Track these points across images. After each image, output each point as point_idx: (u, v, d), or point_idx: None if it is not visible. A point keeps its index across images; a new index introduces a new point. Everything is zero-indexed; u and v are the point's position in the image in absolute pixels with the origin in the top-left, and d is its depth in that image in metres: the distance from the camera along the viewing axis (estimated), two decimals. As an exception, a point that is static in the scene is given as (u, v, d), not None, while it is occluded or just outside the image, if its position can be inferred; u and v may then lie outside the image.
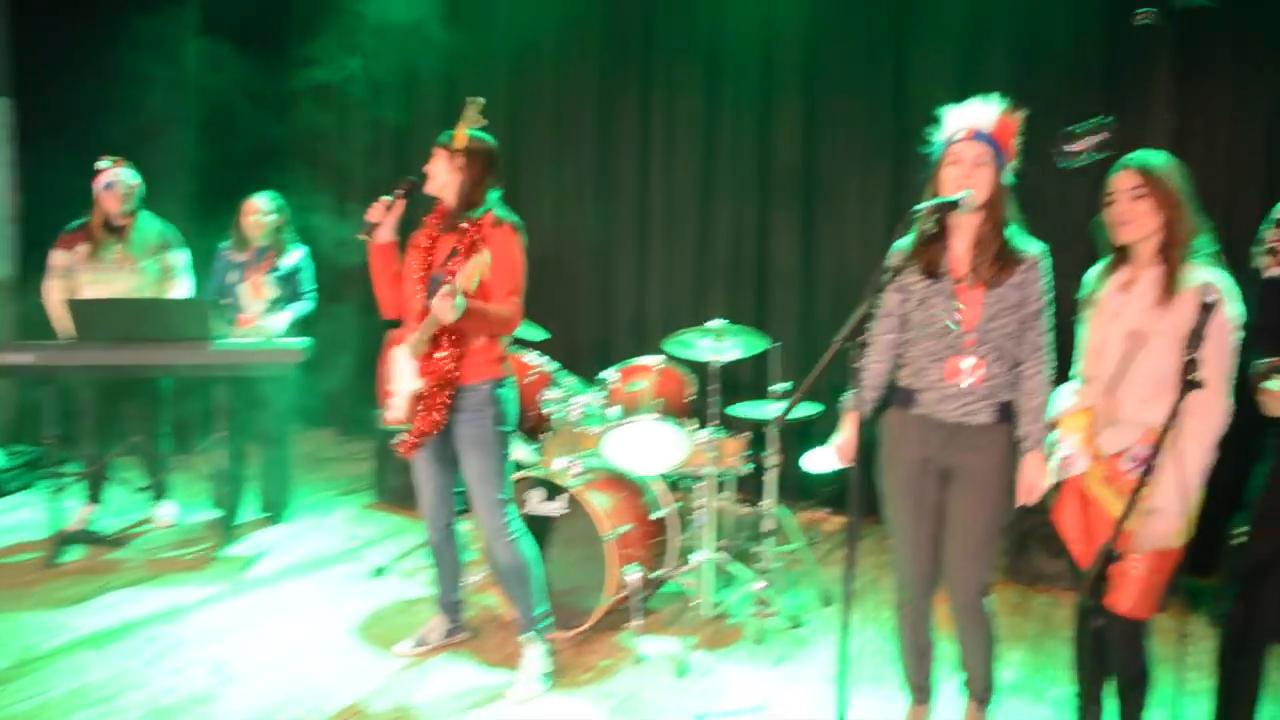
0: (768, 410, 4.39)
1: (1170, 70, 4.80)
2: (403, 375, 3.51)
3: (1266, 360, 2.66)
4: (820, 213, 5.76)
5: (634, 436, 4.22)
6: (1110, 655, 2.96)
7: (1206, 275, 2.70)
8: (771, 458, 4.33)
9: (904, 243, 3.00)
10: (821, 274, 5.78)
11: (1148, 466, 2.68)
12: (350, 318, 6.02)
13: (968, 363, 2.90)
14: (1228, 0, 4.63)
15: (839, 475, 5.49)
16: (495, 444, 3.49)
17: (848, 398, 3.12)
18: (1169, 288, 2.71)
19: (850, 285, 5.66)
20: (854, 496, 2.70)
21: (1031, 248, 2.90)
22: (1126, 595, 2.80)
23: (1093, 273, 2.92)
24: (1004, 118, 2.88)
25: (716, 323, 4.27)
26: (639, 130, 6.18)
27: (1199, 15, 4.32)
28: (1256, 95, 4.72)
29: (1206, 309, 2.46)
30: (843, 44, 5.61)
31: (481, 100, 3.42)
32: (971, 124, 2.88)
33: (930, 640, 3.19)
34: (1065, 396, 2.91)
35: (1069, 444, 2.87)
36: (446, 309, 3.18)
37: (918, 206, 2.78)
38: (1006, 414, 2.93)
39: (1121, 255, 2.83)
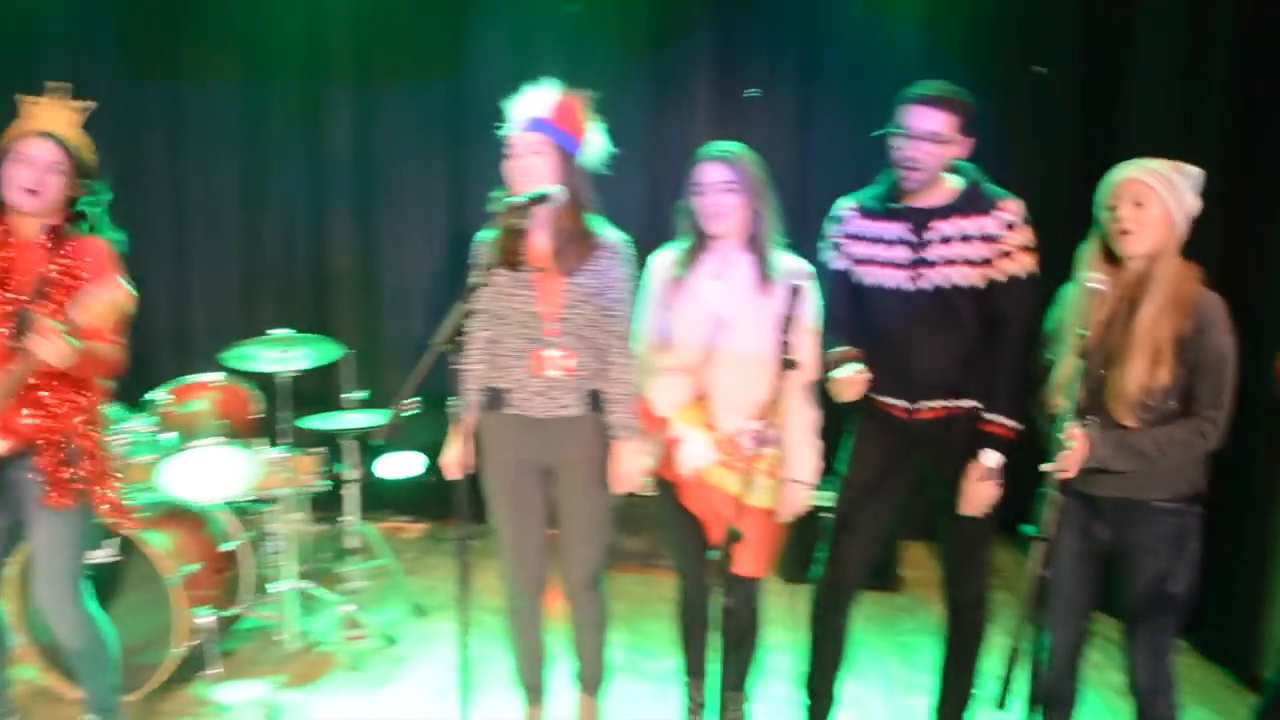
0: (343, 421, 4.12)
1: (711, 74, 5.22)
2: None
3: (838, 350, 2.87)
4: (379, 210, 5.54)
5: (195, 463, 3.77)
6: (731, 616, 3.06)
7: (792, 262, 2.89)
8: (350, 471, 4.09)
9: (488, 235, 2.93)
10: (383, 275, 5.57)
11: (764, 440, 2.83)
12: None
13: (553, 354, 2.88)
14: (764, 19, 5.13)
15: (417, 480, 5.37)
16: (81, 508, 2.88)
17: (455, 405, 3.00)
18: (765, 274, 2.85)
19: (415, 285, 5.52)
20: (463, 502, 2.59)
21: (611, 235, 2.93)
22: (743, 558, 2.88)
23: (667, 258, 2.97)
24: (564, 101, 2.84)
25: (281, 332, 3.93)
26: (169, 123, 5.55)
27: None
28: (783, 97, 5.23)
29: (795, 293, 2.63)
30: (393, 32, 5.41)
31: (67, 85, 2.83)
32: (527, 113, 2.84)
33: (542, 640, 3.15)
34: (672, 388, 2.93)
35: (692, 437, 2.90)
36: (58, 351, 2.54)
37: (511, 199, 2.71)
38: (597, 403, 2.94)
39: (701, 241, 2.92)
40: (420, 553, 5.15)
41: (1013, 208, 2.79)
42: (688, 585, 3.15)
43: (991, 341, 2.81)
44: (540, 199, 2.73)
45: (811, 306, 2.86)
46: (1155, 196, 2.44)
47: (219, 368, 4.04)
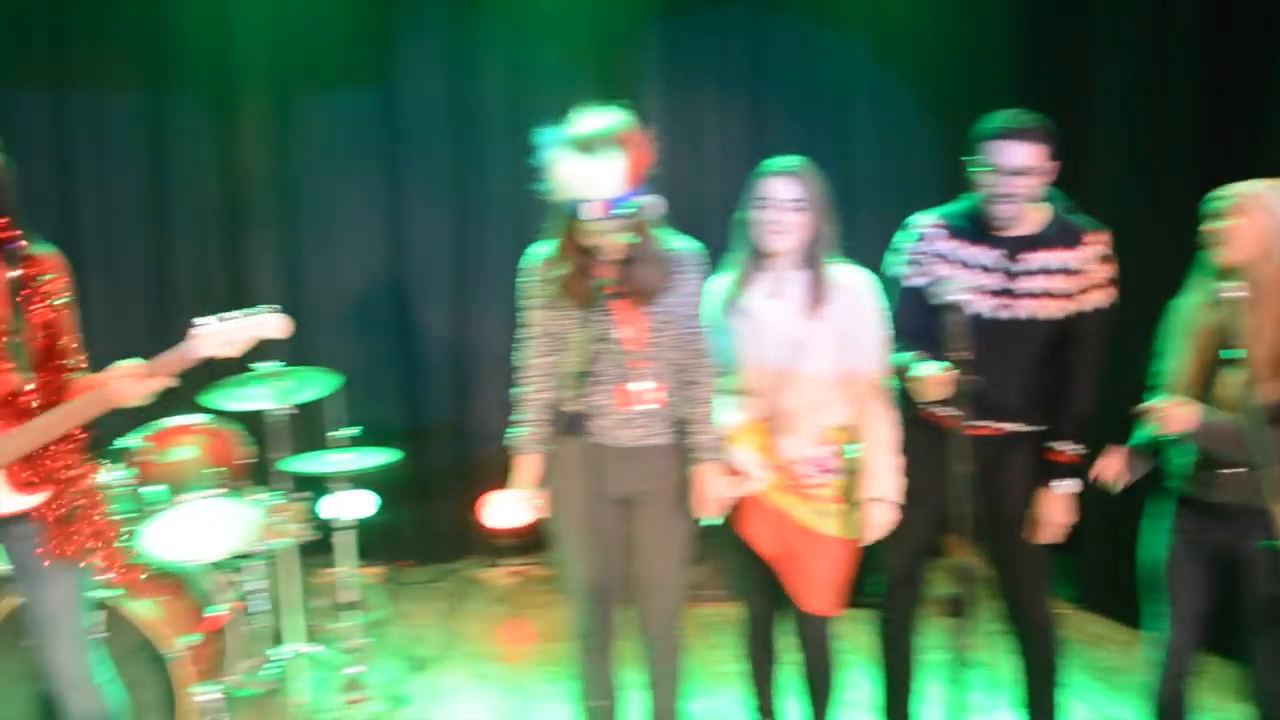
0: (330, 462, 3.71)
1: (658, 86, 5.09)
2: None
3: (913, 353, 2.78)
4: (303, 231, 5.09)
5: (189, 519, 3.31)
6: (806, 651, 2.95)
7: (853, 274, 2.80)
8: (346, 516, 3.69)
9: (544, 252, 2.70)
10: (312, 299, 5.11)
11: (827, 468, 2.76)
12: None
13: (642, 385, 2.66)
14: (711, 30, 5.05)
15: (369, 522, 4.94)
16: (85, 567, 2.53)
17: (515, 437, 2.75)
18: (821, 291, 2.75)
19: (346, 311, 5.10)
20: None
21: (683, 246, 2.73)
22: (817, 594, 2.82)
23: (724, 279, 2.84)
24: (633, 163, 2.54)
25: (269, 364, 3.49)
26: (57, 137, 4.89)
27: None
28: (733, 109, 5.16)
29: (863, 306, 2.67)
30: (314, 35, 4.97)
31: None
32: (600, 188, 2.51)
33: (615, 684, 2.90)
34: (731, 410, 2.80)
35: (746, 459, 2.78)
36: (138, 394, 2.36)
37: (622, 206, 2.49)
38: (683, 430, 2.74)
39: (754, 260, 2.80)
40: (386, 599, 4.72)
41: (1102, 240, 2.79)
42: (754, 616, 3.02)
43: (1064, 370, 2.81)
44: (634, 210, 2.53)
45: (878, 317, 2.79)
46: (1245, 208, 2.47)
47: (197, 408, 3.55)
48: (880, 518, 2.77)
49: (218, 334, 2.40)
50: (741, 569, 2.96)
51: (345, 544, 3.72)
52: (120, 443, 3.39)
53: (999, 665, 3.01)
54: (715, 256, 2.83)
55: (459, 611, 4.54)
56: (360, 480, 3.77)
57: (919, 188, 4.76)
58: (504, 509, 3.96)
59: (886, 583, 2.99)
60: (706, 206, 4.70)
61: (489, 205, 5.08)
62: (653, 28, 5.11)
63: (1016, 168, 2.66)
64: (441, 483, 5.14)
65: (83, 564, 2.49)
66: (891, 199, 4.76)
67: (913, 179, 5.03)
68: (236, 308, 4.87)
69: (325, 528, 3.79)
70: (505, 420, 4.79)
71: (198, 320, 2.42)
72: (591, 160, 2.50)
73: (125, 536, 3.25)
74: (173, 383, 2.44)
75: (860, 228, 3.07)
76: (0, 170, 2.44)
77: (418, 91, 5.05)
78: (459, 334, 5.16)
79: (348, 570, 3.73)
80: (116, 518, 3.21)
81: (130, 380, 2.36)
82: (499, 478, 4.79)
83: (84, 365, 2.55)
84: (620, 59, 5.09)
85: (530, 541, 4.96)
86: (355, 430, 3.76)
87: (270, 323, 2.45)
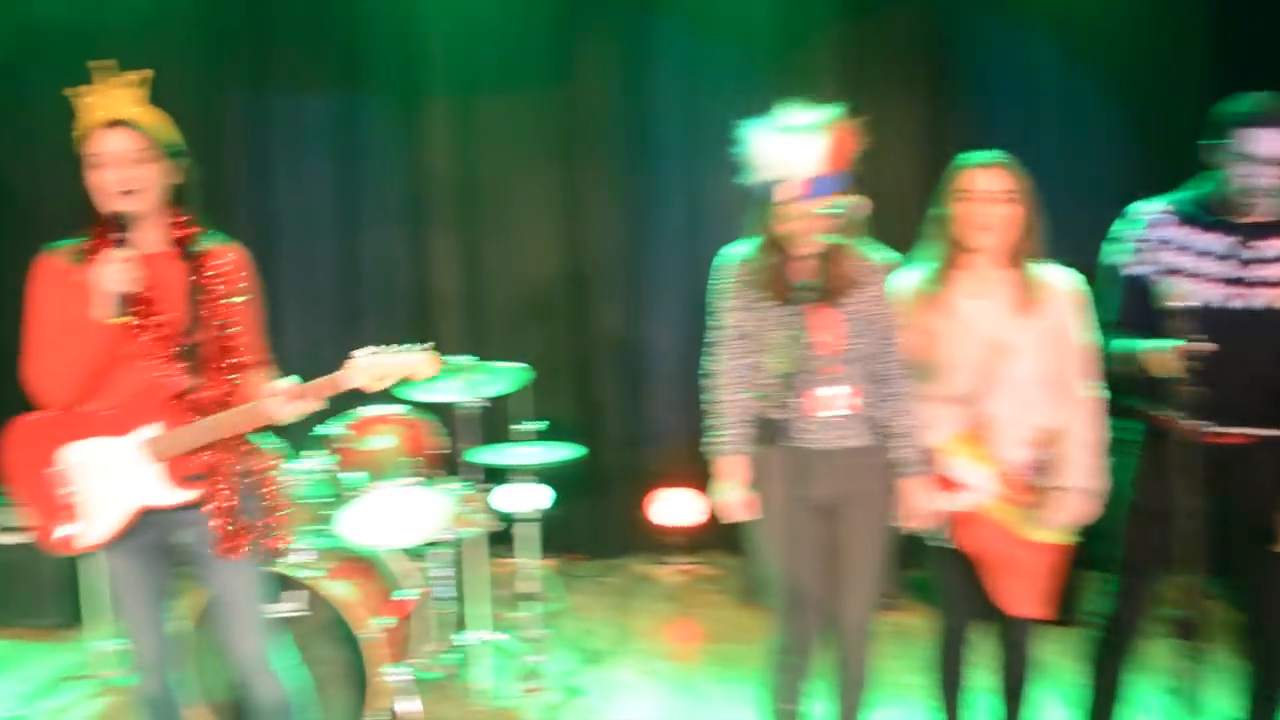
0: (513, 455, 3.79)
1: (837, 83, 5.00)
2: (121, 479, 2.45)
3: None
4: (485, 228, 5.21)
5: (385, 505, 3.43)
6: (1007, 660, 2.88)
7: (1062, 275, 2.71)
8: (529, 507, 3.77)
9: (742, 252, 2.70)
10: (491, 295, 5.23)
11: (1045, 470, 2.68)
12: None
13: (833, 390, 2.63)
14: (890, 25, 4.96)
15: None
16: (262, 555, 2.61)
17: (715, 442, 2.74)
18: (1030, 292, 2.66)
19: (525, 306, 5.20)
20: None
21: (879, 256, 2.70)
22: (1026, 597, 2.73)
23: (916, 277, 2.76)
24: (837, 146, 2.56)
25: (462, 359, 3.59)
26: (254, 137, 5.15)
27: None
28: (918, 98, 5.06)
29: (1072, 307, 2.60)
30: (495, 37, 5.08)
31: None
32: (804, 168, 2.54)
33: (805, 691, 2.86)
34: (943, 418, 2.72)
35: (968, 470, 2.71)
36: (289, 414, 2.41)
37: (823, 191, 2.48)
38: (881, 432, 2.70)
39: (954, 258, 2.73)
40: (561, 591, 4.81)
41: None
42: (951, 627, 2.92)
43: None
44: (841, 211, 2.53)
45: (1086, 318, 2.70)
46: None
47: (394, 399, 3.68)
48: (1075, 507, 2.68)
49: (370, 368, 2.41)
50: (943, 578, 2.88)
51: (527, 535, 3.79)
52: (321, 429, 3.54)
53: (1222, 690, 2.85)
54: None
55: (628, 607, 4.58)
56: (543, 474, 3.83)
57: (1107, 189, 4.58)
58: (674, 507, 3.97)
59: (1107, 600, 2.87)
60: (887, 207, 4.62)
61: (665, 205, 5.12)
62: (832, 26, 5.04)
63: (1276, 157, 2.52)
64: (612, 478, 5.18)
65: (259, 553, 2.55)
66: (1079, 199, 4.59)
67: (1101, 179, 4.83)
68: (420, 303, 5.13)
69: (506, 519, 3.87)
70: (677, 418, 4.88)
71: (356, 352, 2.43)
72: (794, 139, 2.52)
73: (319, 520, 3.39)
74: (322, 406, 2.48)
75: (1049, 228, 2.97)
76: (184, 171, 2.52)
77: (596, 91, 5.10)
78: (633, 332, 5.19)
79: (528, 561, 3.81)
80: (299, 504, 3.37)
81: (282, 400, 2.40)
82: (669, 475, 4.96)
83: (266, 362, 2.60)
84: (799, 58, 5.03)
85: (699, 541, 4.99)
86: (541, 425, 3.83)
87: (422, 362, 2.45)
